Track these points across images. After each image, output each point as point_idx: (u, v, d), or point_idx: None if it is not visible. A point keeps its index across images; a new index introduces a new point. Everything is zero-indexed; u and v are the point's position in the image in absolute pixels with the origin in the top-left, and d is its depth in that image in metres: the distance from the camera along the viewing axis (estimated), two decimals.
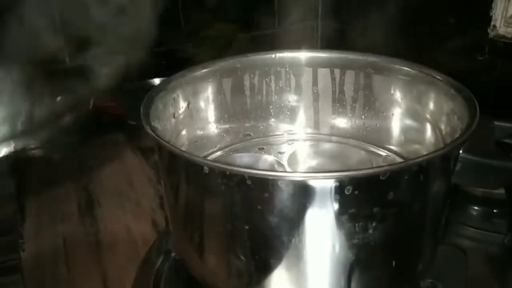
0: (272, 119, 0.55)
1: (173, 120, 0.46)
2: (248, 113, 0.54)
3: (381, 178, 0.30)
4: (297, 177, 0.30)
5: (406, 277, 0.38)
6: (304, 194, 0.31)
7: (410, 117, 0.48)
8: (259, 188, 0.31)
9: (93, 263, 0.53)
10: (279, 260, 0.33)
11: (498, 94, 0.68)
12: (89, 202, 0.64)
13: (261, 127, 0.55)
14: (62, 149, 0.75)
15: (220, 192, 0.32)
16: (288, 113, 0.55)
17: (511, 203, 0.55)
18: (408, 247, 0.36)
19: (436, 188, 0.34)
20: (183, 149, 0.48)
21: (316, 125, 0.55)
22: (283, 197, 0.31)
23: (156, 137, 0.33)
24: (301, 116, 0.55)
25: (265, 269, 0.34)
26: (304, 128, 0.55)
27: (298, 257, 0.33)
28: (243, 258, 0.34)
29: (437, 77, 0.44)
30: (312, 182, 0.30)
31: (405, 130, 0.49)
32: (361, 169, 0.29)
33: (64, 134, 0.75)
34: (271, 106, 0.54)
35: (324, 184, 0.30)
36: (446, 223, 0.40)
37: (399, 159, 0.50)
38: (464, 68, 0.72)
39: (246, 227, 0.33)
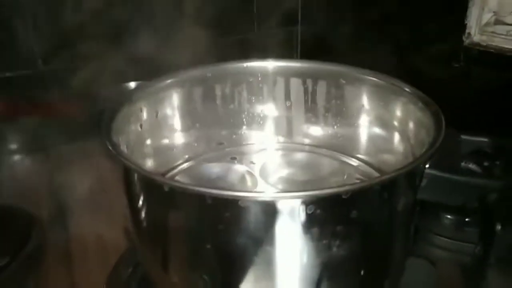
0: (245, 128, 0.54)
1: (139, 130, 0.45)
2: (220, 122, 0.53)
3: (343, 197, 0.30)
4: (257, 197, 0.30)
5: None
6: (265, 213, 0.30)
7: (380, 127, 0.48)
8: (220, 208, 0.30)
9: (62, 273, 0.52)
10: (242, 280, 0.33)
11: (472, 101, 0.68)
12: (60, 208, 0.63)
13: (234, 136, 0.54)
14: (34, 154, 0.74)
15: (180, 211, 0.32)
16: (260, 122, 0.54)
17: (483, 212, 0.55)
18: (374, 263, 0.36)
19: (401, 204, 0.34)
20: (150, 160, 0.47)
21: (289, 134, 0.55)
22: (245, 217, 0.30)
23: (116, 153, 0.33)
24: (274, 125, 0.55)
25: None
26: (276, 137, 0.55)
27: (262, 278, 0.32)
28: (206, 278, 0.33)
29: (406, 89, 0.44)
30: (272, 202, 0.29)
31: (375, 140, 0.49)
32: (322, 189, 0.29)
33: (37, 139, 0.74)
34: (243, 115, 0.54)
35: (285, 203, 0.29)
36: (416, 232, 0.40)
37: (370, 169, 0.50)
38: (440, 74, 0.73)
39: (208, 246, 0.32)
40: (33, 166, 0.73)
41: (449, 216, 0.57)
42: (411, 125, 0.43)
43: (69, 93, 0.77)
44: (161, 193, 0.32)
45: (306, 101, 0.52)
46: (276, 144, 0.55)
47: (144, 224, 0.36)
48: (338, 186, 0.29)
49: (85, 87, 0.77)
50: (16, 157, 0.74)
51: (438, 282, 0.46)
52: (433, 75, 0.74)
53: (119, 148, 0.35)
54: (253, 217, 0.30)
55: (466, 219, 0.56)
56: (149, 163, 0.48)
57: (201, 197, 0.30)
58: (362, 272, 0.35)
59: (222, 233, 0.31)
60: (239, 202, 0.30)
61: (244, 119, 0.54)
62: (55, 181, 0.68)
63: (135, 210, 0.37)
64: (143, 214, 0.36)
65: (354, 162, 0.51)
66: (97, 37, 0.76)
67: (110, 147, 0.33)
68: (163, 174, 0.49)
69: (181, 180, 0.48)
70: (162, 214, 0.34)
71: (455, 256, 0.53)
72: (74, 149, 0.75)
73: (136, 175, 0.33)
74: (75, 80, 0.77)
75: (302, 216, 0.30)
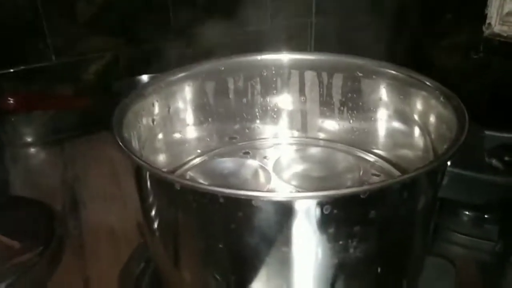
0: (258, 122, 0.53)
1: (151, 125, 0.44)
2: (233, 116, 0.52)
3: (361, 197, 0.28)
4: (271, 197, 0.29)
5: None
6: (279, 214, 0.29)
7: (399, 121, 0.46)
8: (232, 207, 0.29)
9: (76, 267, 0.52)
10: (254, 280, 0.32)
11: (492, 93, 0.66)
12: (73, 202, 0.62)
13: (247, 130, 0.53)
14: (49, 147, 0.73)
15: (192, 210, 0.31)
16: (274, 116, 0.53)
17: (502, 208, 0.54)
18: (392, 263, 0.34)
19: (422, 203, 0.33)
20: (162, 155, 0.46)
21: (303, 128, 0.53)
22: (258, 217, 0.29)
23: (127, 150, 0.32)
24: (288, 119, 0.53)
25: None
26: (290, 131, 0.54)
27: (275, 278, 0.31)
28: (217, 277, 0.32)
29: (426, 82, 0.42)
30: (287, 202, 0.28)
31: (393, 134, 0.48)
32: (340, 190, 0.28)
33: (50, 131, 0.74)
34: (256, 109, 0.53)
35: (300, 204, 0.28)
36: (434, 230, 0.39)
37: (387, 165, 0.49)
38: (459, 66, 0.71)
39: (220, 246, 0.31)
40: (48, 158, 0.73)
41: (467, 213, 0.55)
42: (431, 119, 0.41)
43: (82, 86, 0.77)
44: (172, 191, 0.31)
45: (321, 95, 0.51)
46: (290, 139, 0.54)
47: (155, 220, 0.36)
48: (356, 187, 0.28)
49: (98, 80, 0.77)
50: (32, 150, 0.74)
51: (457, 281, 0.45)
52: (451, 67, 0.72)
53: (130, 144, 0.34)
54: (267, 217, 0.29)
55: (486, 216, 0.55)
56: (161, 158, 0.47)
57: (213, 196, 0.29)
58: (379, 272, 0.34)
59: (235, 233, 0.30)
60: (252, 202, 0.28)
61: (257, 113, 0.53)
62: (70, 173, 0.68)
63: (146, 207, 0.36)
64: (154, 211, 0.35)
65: (370, 158, 0.50)
66: (109, 29, 0.76)
67: (120, 144, 0.32)
68: (175, 170, 0.48)
69: (193, 175, 0.47)
70: (173, 211, 0.33)
71: (474, 254, 0.52)
72: (88, 141, 0.75)
73: (146, 173, 0.32)
74: (88, 73, 0.77)
75: (318, 217, 0.29)
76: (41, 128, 0.74)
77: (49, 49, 0.72)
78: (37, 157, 0.75)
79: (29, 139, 0.75)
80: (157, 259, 0.41)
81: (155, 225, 0.36)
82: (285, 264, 0.31)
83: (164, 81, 0.46)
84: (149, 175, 0.32)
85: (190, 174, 0.48)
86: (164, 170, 0.40)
